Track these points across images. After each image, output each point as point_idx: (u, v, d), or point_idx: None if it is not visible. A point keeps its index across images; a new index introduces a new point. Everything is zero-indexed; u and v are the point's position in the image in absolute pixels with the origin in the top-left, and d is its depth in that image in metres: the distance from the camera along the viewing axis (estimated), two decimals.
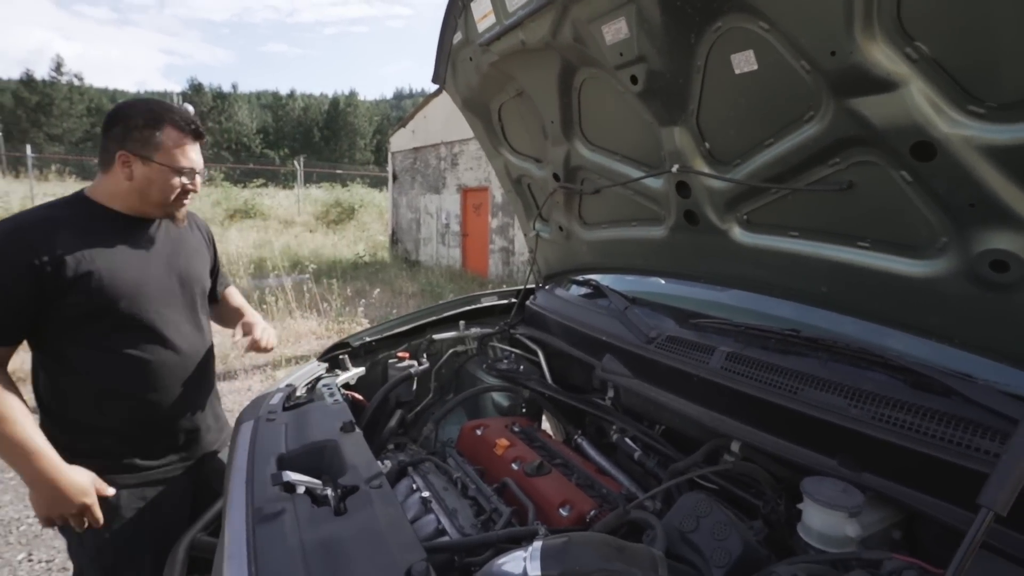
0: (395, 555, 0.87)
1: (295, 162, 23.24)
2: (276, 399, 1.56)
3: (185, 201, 1.48)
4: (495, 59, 1.64)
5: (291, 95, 63.55)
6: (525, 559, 0.93)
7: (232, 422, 1.58)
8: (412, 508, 1.35)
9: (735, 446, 1.26)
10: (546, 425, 1.94)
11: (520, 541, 1.07)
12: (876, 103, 0.90)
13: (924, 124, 0.85)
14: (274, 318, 6.57)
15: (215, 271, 1.74)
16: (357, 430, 1.36)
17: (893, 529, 1.02)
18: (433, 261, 12.90)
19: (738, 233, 1.33)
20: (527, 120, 1.83)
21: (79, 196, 1.44)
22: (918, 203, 0.95)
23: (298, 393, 1.66)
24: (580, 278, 2.15)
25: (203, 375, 1.59)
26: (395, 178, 14.72)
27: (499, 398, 2.10)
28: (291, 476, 1.09)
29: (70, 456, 1.34)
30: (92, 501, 1.31)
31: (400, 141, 14.28)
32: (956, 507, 0.90)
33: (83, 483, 1.30)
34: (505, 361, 2.12)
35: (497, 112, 1.94)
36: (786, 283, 1.26)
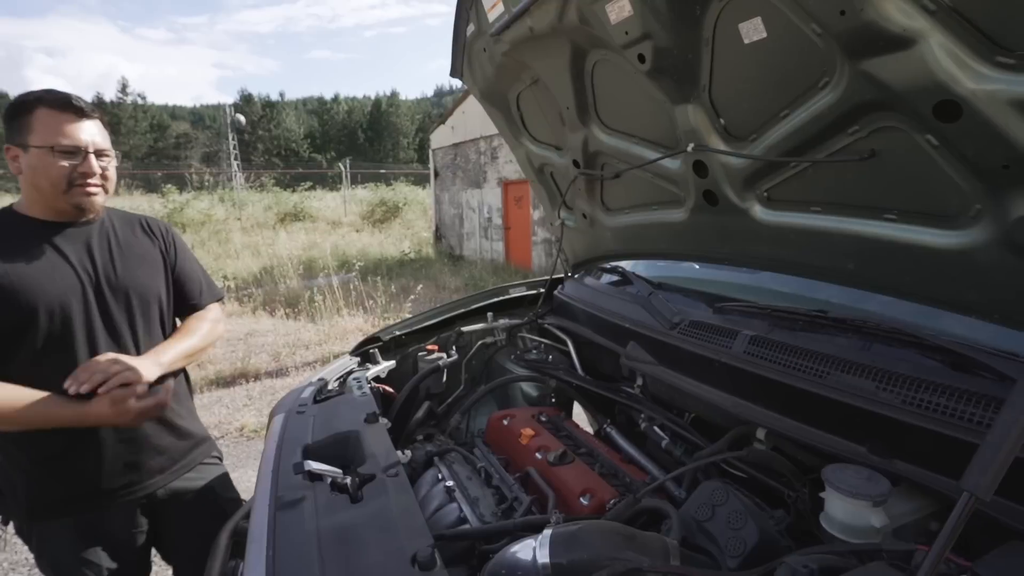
0: (404, 541, 0.89)
1: (340, 164, 23.93)
2: (307, 393, 1.63)
3: (89, 189, 1.33)
4: (507, 48, 1.62)
5: (335, 99, 65.43)
6: (535, 547, 0.94)
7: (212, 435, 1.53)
8: (436, 497, 1.38)
9: (761, 433, 1.21)
10: (582, 415, 1.93)
11: (536, 529, 1.07)
12: (893, 62, 0.83)
13: (947, 81, 0.78)
14: (322, 316, 6.82)
15: (183, 280, 1.56)
16: (380, 421, 1.40)
17: (930, 520, 0.95)
18: (477, 255, 13.00)
19: (759, 211, 1.27)
20: (544, 108, 1.81)
21: (6, 209, 1.37)
22: (947, 168, 0.87)
23: (329, 387, 1.71)
24: (607, 265, 2.12)
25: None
26: (436, 174, 14.92)
27: (528, 388, 2.10)
28: (312, 465, 1.14)
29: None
30: (118, 407, 1.24)
31: (440, 138, 14.45)
32: (997, 496, 0.84)
33: (98, 404, 1.24)
34: (534, 351, 2.12)
35: (515, 101, 1.93)
36: (811, 261, 1.19)
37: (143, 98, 50.60)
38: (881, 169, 0.98)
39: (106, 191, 1.39)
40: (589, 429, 1.81)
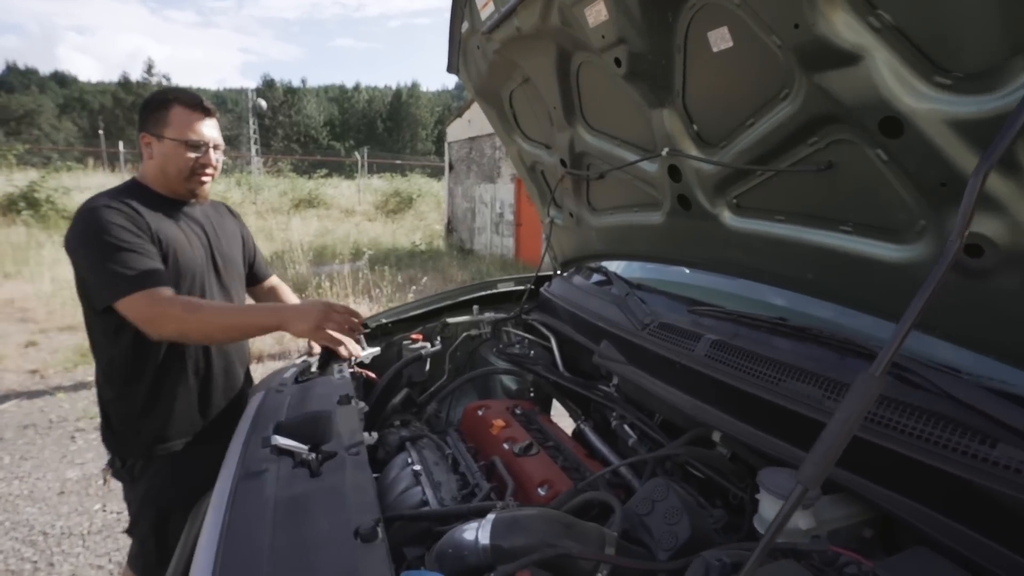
0: (352, 514, 0.93)
1: (357, 153, 24.09)
2: (289, 373, 1.67)
3: (204, 178, 1.58)
4: (498, 47, 1.66)
5: (356, 88, 65.72)
6: (478, 529, 0.98)
7: None
8: (404, 480, 1.42)
9: (716, 436, 1.24)
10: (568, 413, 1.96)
11: (485, 514, 1.11)
12: (842, 77, 0.85)
13: (890, 98, 0.80)
14: None
15: (252, 259, 1.90)
16: (353, 403, 1.45)
17: (864, 527, 0.97)
18: (487, 250, 13.05)
19: (728, 218, 1.29)
20: (535, 107, 1.84)
21: (134, 181, 1.60)
22: (895, 184, 0.89)
23: (312, 369, 1.77)
24: (594, 265, 2.15)
25: (239, 350, 1.75)
26: (451, 167, 14.97)
27: (508, 382, 2.14)
28: (280, 441, 1.19)
29: (126, 420, 1.55)
30: (326, 306, 1.47)
31: (457, 131, 14.49)
32: (927, 509, 0.86)
33: (308, 308, 1.47)
34: (517, 346, 2.15)
35: (508, 99, 1.96)
36: (775, 269, 1.21)
37: (168, 79, 51.38)
38: (838, 181, 1.00)
39: (213, 178, 1.64)
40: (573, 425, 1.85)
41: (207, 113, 1.56)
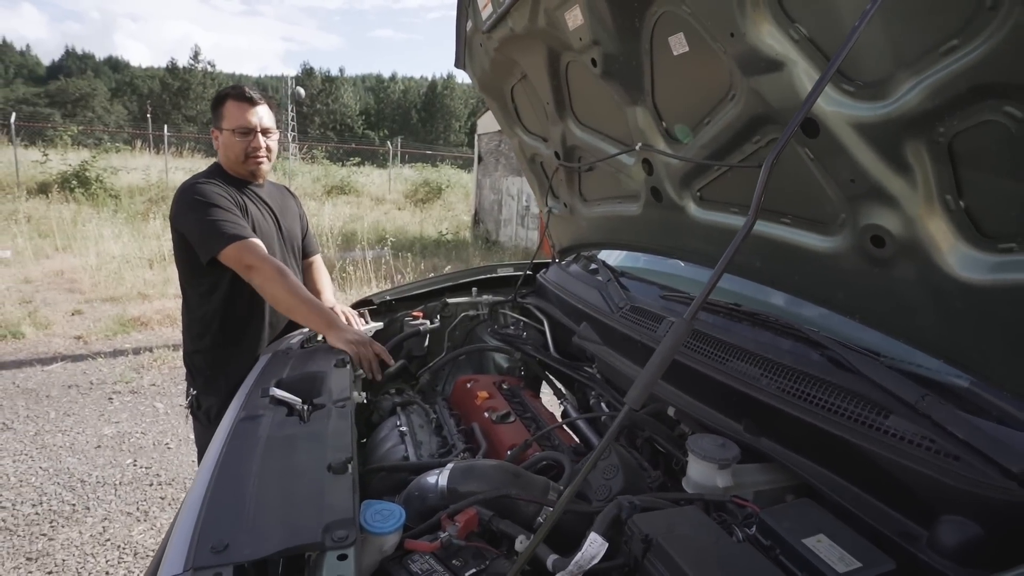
0: (328, 453, 1.08)
1: (390, 143, 24.45)
2: (295, 340, 1.85)
3: (259, 159, 1.80)
4: (497, 45, 1.77)
5: (392, 78, 66.38)
6: (439, 475, 1.12)
7: None
8: (391, 439, 1.57)
9: (671, 411, 1.34)
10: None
11: None
12: (771, 82, 0.95)
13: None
14: (351, 286, 7.16)
15: (305, 235, 2.15)
16: (347, 368, 1.60)
17: (787, 492, 1.07)
18: (512, 242, 13.16)
19: (693, 209, 1.39)
20: (533, 102, 1.95)
21: (217, 165, 1.87)
22: (820, 180, 0.98)
23: (318, 337, 1.93)
24: (588, 254, 2.25)
25: None
26: (480, 159, 15.11)
27: (501, 360, 2.27)
28: (277, 392, 1.35)
29: (209, 367, 1.81)
30: (362, 339, 1.67)
31: (487, 123, 14.60)
32: (836, 477, 0.95)
33: (352, 330, 1.70)
34: (512, 327, 2.28)
35: (510, 94, 2.07)
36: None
37: (212, 66, 52.87)
38: (778, 176, 1.09)
39: (270, 160, 1.86)
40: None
41: (253, 102, 1.76)
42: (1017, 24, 0.60)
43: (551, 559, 0.87)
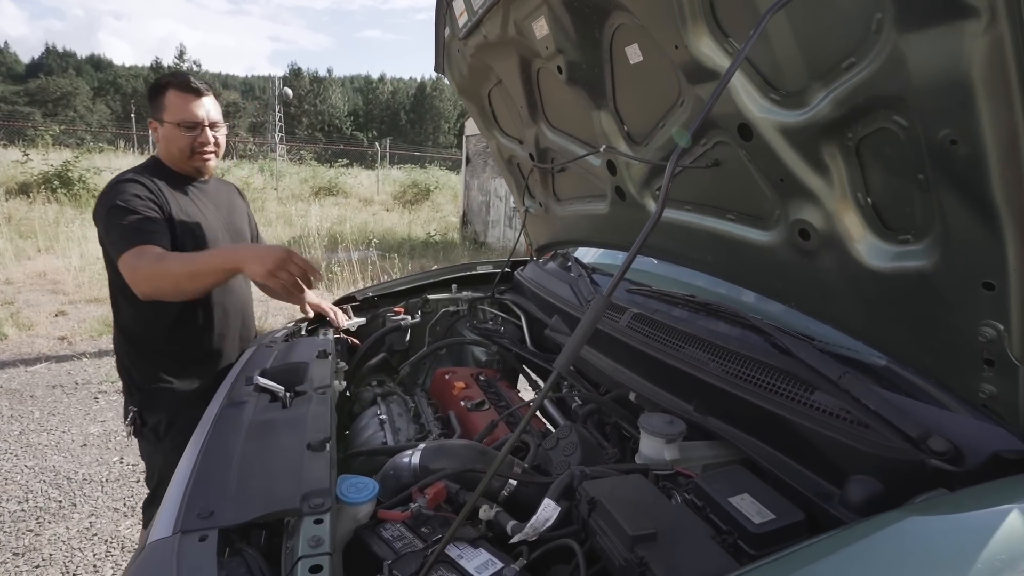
0: (308, 433, 1.15)
1: (377, 144, 24.43)
2: (280, 333, 1.92)
3: (205, 156, 1.68)
4: (472, 51, 1.86)
5: (381, 79, 66.18)
6: (412, 455, 1.20)
7: None
8: (371, 427, 1.65)
9: (632, 396, 1.44)
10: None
11: None
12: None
13: (743, 109, 0.99)
14: (339, 287, 7.20)
15: (255, 236, 2.06)
16: (330, 359, 1.68)
17: (730, 465, 1.16)
18: (500, 243, 13.24)
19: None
20: (508, 105, 2.04)
21: (154, 159, 1.73)
22: (758, 179, 1.08)
23: (302, 332, 2.01)
24: (563, 252, 2.35)
25: (246, 317, 1.93)
26: (468, 161, 15.18)
27: (479, 353, 2.35)
28: (261, 381, 1.42)
29: (149, 380, 1.66)
30: (279, 261, 1.35)
31: (474, 125, 14.67)
32: (772, 449, 1.05)
33: (265, 252, 1.39)
34: (490, 322, 2.37)
35: (487, 97, 2.16)
36: (686, 252, 1.40)
37: (198, 65, 52.56)
38: (724, 176, 1.19)
39: (217, 156, 1.73)
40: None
41: (199, 93, 1.62)
42: (895, 46, 0.69)
43: (510, 524, 0.96)
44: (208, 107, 1.66)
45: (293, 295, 1.50)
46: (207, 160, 1.71)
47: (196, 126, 1.63)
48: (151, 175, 1.63)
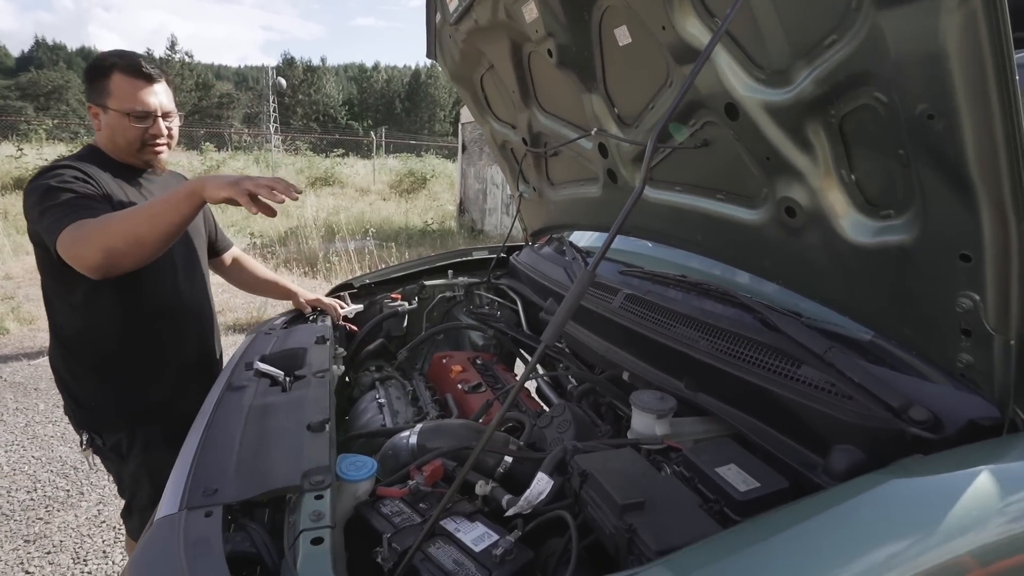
0: (308, 415, 1.18)
1: (374, 133, 24.28)
2: (279, 320, 1.94)
3: (157, 148, 1.51)
4: (464, 36, 1.86)
5: (375, 67, 65.55)
6: (410, 435, 1.23)
7: None
8: (370, 410, 1.68)
9: (626, 375, 1.46)
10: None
11: None
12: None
13: (729, 88, 1.00)
14: (337, 276, 7.21)
15: (213, 230, 1.88)
16: (328, 344, 1.70)
17: (720, 440, 1.19)
18: (497, 231, 13.22)
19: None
20: (501, 90, 2.04)
21: (92, 147, 1.54)
22: (746, 158, 1.09)
23: (309, 318, 2.03)
24: (558, 236, 2.36)
25: (202, 322, 1.73)
26: (464, 149, 15.11)
27: (476, 338, 2.38)
28: (260, 365, 1.44)
29: (93, 396, 1.50)
30: (239, 179, 1.25)
31: (469, 112, 14.58)
32: (760, 423, 1.07)
33: (225, 176, 1.27)
34: (486, 307, 2.39)
35: (480, 83, 2.16)
36: (677, 233, 1.42)
37: (190, 56, 51.86)
38: (713, 156, 1.20)
39: (169, 147, 1.57)
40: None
41: (151, 79, 1.45)
42: (874, 23, 0.71)
43: (506, 499, 0.99)
44: (160, 95, 1.48)
45: (268, 208, 1.29)
46: (159, 153, 1.54)
47: (147, 116, 1.46)
48: (87, 163, 1.44)
